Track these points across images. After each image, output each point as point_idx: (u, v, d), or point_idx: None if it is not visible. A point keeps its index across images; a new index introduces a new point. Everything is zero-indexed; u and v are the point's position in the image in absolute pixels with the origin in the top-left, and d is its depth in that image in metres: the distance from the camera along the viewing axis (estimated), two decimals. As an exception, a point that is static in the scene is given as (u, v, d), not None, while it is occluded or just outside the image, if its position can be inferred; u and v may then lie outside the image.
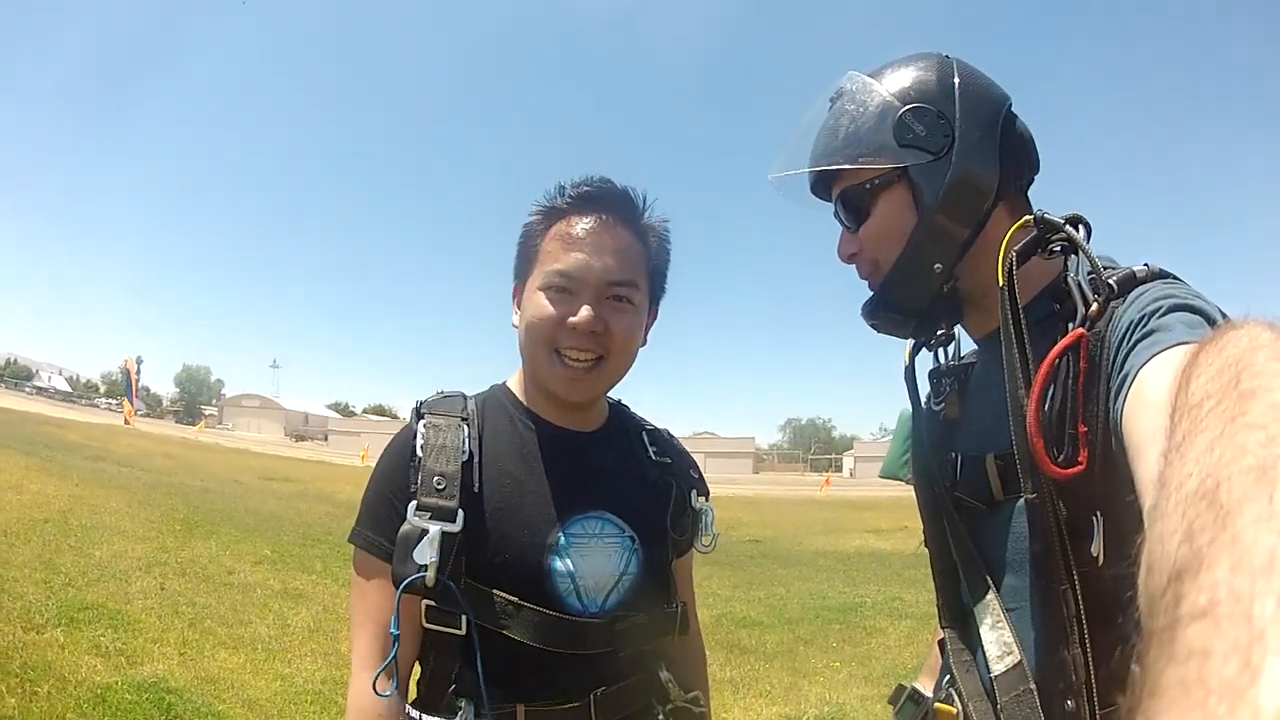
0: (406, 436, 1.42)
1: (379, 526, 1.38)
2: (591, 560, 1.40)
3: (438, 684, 1.36)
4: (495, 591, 1.34)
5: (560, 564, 1.38)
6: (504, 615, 1.34)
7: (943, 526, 1.25)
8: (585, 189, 1.44)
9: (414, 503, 1.32)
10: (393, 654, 1.31)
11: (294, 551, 9.47)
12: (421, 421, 1.42)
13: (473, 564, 1.34)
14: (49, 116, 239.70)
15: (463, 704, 1.33)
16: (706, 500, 1.61)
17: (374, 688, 1.31)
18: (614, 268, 1.40)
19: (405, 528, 1.30)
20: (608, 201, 1.45)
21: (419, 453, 1.37)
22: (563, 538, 1.40)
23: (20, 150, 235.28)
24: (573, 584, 1.39)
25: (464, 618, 1.31)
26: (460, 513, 1.32)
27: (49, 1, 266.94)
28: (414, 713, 1.35)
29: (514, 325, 1.49)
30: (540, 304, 1.40)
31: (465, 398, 1.50)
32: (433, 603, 1.31)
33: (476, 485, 1.38)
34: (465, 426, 1.43)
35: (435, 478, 1.34)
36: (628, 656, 1.42)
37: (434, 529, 1.29)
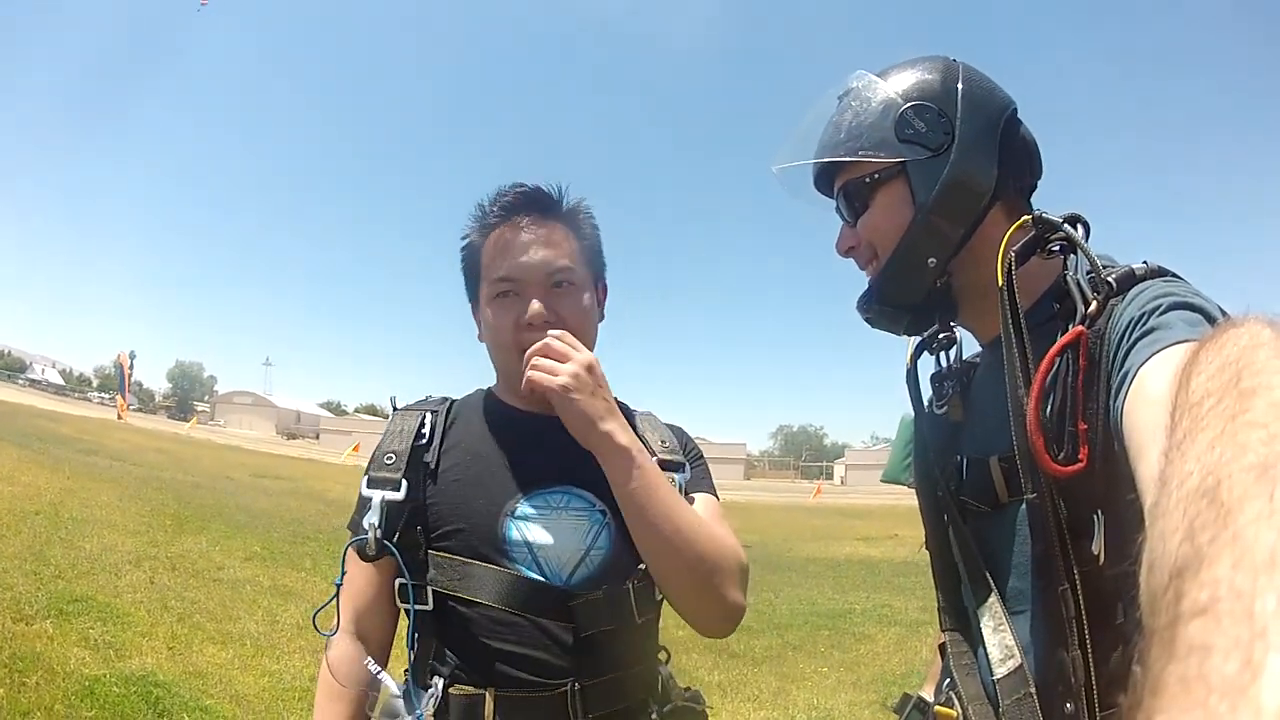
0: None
1: (359, 513, 1.47)
2: (554, 532, 1.42)
3: (421, 664, 1.41)
4: (449, 555, 1.40)
5: (516, 534, 1.41)
6: (462, 577, 1.39)
7: (944, 529, 1.25)
8: (505, 199, 1.52)
9: (366, 478, 1.45)
10: (332, 596, 1.45)
11: (284, 549, 9.44)
12: (395, 414, 1.55)
13: (433, 534, 1.43)
14: (47, 112, 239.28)
15: (433, 683, 1.37)
16: (681, 473, 1.57)
17: (314, 622, 1.43)
18: (548, 257, 1.47)
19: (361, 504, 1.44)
20: (527, 202, 1.52)
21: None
22: (523, 508, 1.43)
23: (17, 145, 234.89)
24: (530, 554, 1.40)
25: (429, 591, 1.40)
26: (404, 483, 1.43)
27: (50, 1, 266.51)
28: (373, 667, 1.42)
29: (480, 341, 1.58)
30: (493, 315, 1.49)
31: (447, 399, 1.61)
32: (403, 580, 1.40)
33: (434, 462, 1.48)
34: (428, 416, 1.53)
35: (386, 455, 1.46)
36: (606, 645, 1.39)
37: (377, 497, 1.41)
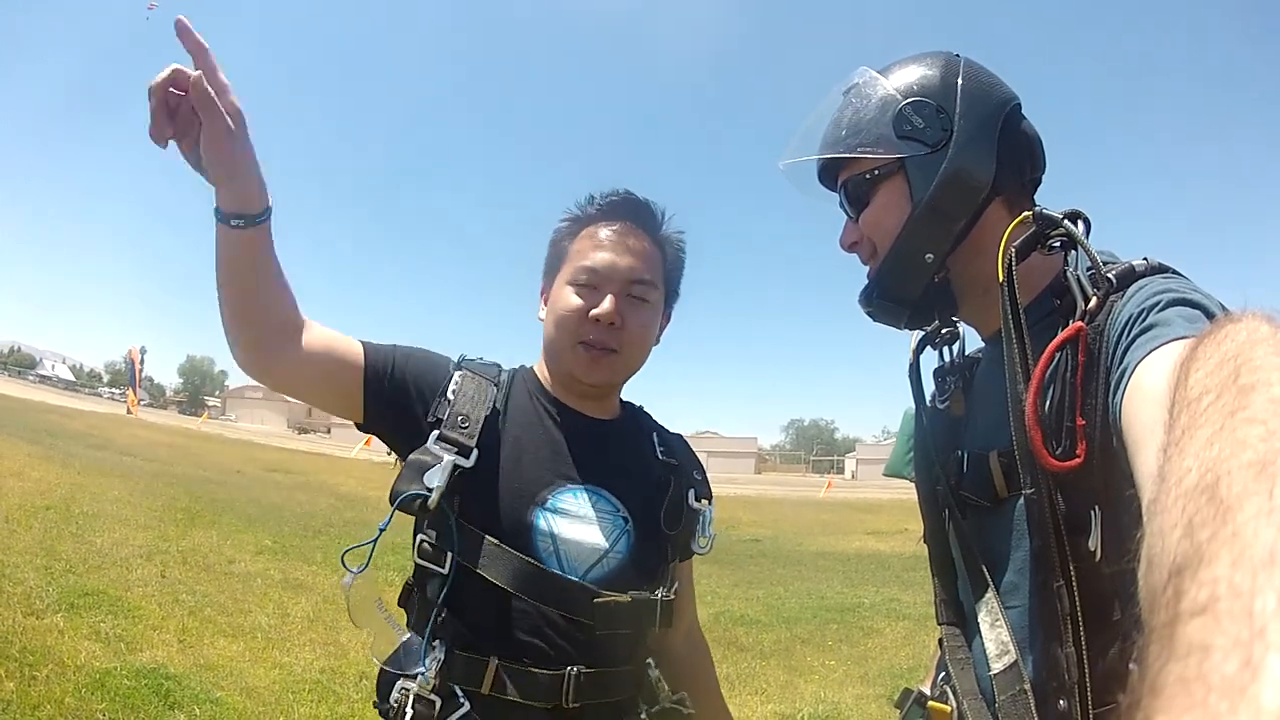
0: (446, 366, 1.55)
1: (384, 357, 1.50)
2: (578, 528, 1.46)
3: (420, 623, 1.42)
4: (479, 531, 1.41)
5: (543, 523, 1.44)
6: (484, 555, 1.40)
7: (943, 524, 1.26)
8: (612, 198, 1.60)
9: (436, 433, 1.43)
10: (374, 540, 1.44)
11: (295, 542, 9.46)
12: (459, 371, 1.54)
13: (469, 508, 1.43)
14: (54, 105, 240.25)
15: (437, 644, 1.38)
16: (708, 504, 1.66)
17: (342, 560, 1.43)
18: (635, 266, 1.54)
19: (420, 455, 1.41)
20: (631, 210, 1.60)
21: (449, 395, 1.49)
22: (553, 500, 1.47)
23: (25, 138, 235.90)
24: (553, 545, 1.44)
25: (449, 556, 1.39)
26: (476, 451, 1.43)
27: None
28: (381, 611, 1.43)
29: (539, 319, 1.63)
30: (568, 298, 1.53)
31: (500, 367, 1.61)
32: (427, 539, 1.41)
33: (489, 437, 1.47)
34: (494, 388, 1.54)
35: (460, 417, 1.46)
36: (612, 640, 1.45)
37: (448, 458, 1.40)
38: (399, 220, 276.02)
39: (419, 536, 1.43)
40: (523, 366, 1.67)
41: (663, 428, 1.74)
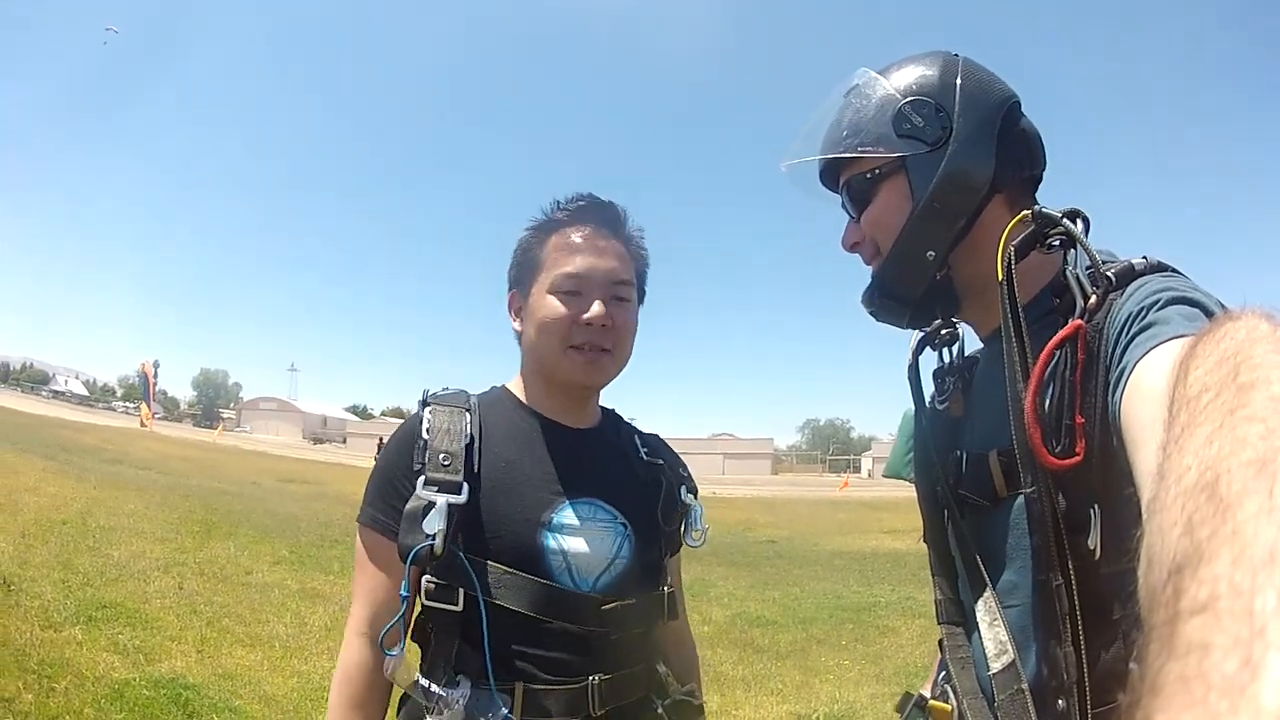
0: (413, 423, 1.53)
1: (384, 505, 1.48)
2: (584, 541, 1.48)
3: (438, 663, 1.42)
4: (491, 563, 1.42)
5: (553, 542, 1.46)
6: (500, 585, 1.41)
7: (942, 524, 1.26)
8: (578, 203, 1.60)
9: (422, 478, 1.42)
10: (400, 614, 1.40)
11: (311, 552, 9.52)
12: (427, 409, 1.53)
13: (470, 539, 1.43)
14: (62, 120, 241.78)
15: (460, 679, 1.39)
16: (695, 498, 1.71)
17: (381, 645, 1.40)
18: (615, 268, 1.56)
19: (412, 503, 1.40)
20: (598, 213, 1.60)
21: (424, 435, 1.48)
22: (556, 518, 1.48)
23: (34, 154, 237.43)
24: (565, 561, 1.46)
25: (460, 593, 1.40)
26: (465, 486, 1.42)
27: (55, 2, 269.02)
28: (423, 680, 1.40)
29: (515, 330, 1.63)
30: (553, 305, 1.52)
31: (468, 394, 1.61)
32: (432, 579, 1.41)
33: (476, 466, 1.48)
34: (467, 414, 1.53)
35: (441, 455, 1.45)
36: (624, 644, 1.48)
37: (441, 500, 1.39)
38: (397, 220, 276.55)
39: (425, 579, 1.42)
40: (494, 387, 1.68)
41: (640, 430, 1.77)
